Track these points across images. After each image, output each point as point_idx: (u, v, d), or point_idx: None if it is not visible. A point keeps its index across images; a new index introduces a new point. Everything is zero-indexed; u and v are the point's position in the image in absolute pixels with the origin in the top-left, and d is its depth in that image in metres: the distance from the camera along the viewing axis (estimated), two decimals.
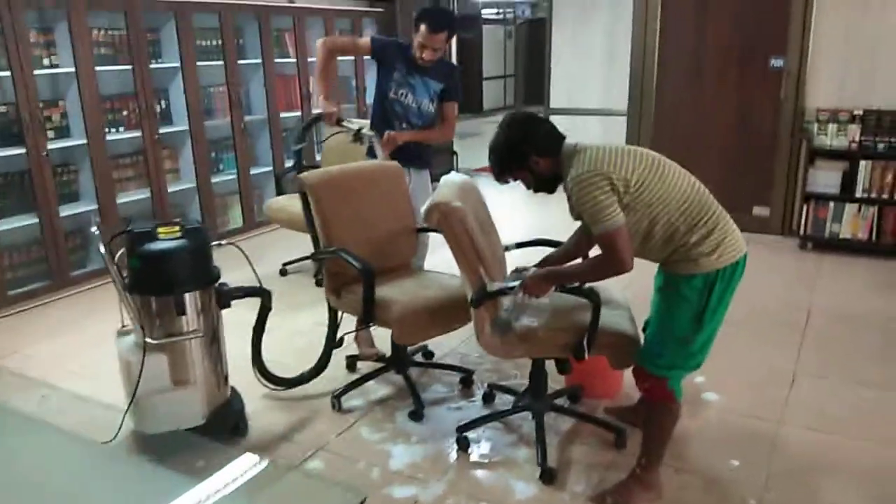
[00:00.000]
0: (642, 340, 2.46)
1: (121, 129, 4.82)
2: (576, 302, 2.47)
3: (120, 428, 2.66)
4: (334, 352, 3.10)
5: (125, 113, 4.82)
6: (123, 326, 2.69)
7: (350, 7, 6.73)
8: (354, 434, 2.81)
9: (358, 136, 3.48)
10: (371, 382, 3.17)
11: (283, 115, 5.85)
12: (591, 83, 7.00)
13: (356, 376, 3.20)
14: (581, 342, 2.39)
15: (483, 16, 14.72)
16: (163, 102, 5.12)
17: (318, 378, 3.10)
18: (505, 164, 2.39)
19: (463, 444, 2.70)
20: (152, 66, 4.88)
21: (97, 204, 4.56)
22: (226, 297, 2.77)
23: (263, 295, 2.93)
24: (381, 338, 3.22)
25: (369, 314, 2.79)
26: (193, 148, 5.17)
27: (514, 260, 2.67)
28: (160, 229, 2.65)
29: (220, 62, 5.30)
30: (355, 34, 6.68)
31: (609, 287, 2.61)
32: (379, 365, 3.23)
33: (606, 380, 3.03)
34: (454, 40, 13.39)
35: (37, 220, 4.26)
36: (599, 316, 2.36)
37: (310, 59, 5.96)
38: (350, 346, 3.30)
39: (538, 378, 2.72)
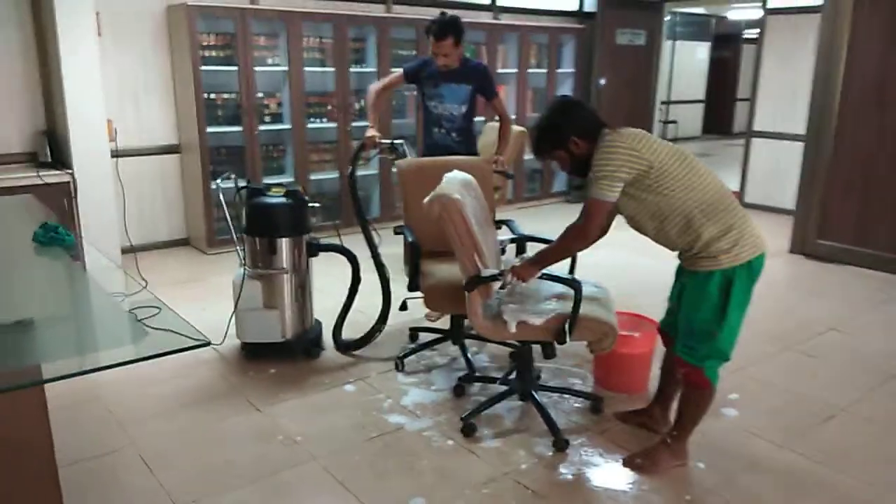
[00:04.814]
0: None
1: (324, 120, 5.88)
2: (562, 290, 2.75)
3: (226, 334, 3.53)
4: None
5: (329, 107, 5.87)
6: (243, 262, 3.54)
7: (548, 24, 7.19)
8: (391, 375, 3.36)
9: (392, 148, 3.99)
10: (429, 352, 3.63)
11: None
12: (796, 108, 6.70)
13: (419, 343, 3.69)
14: (563, 327, 2.65)
15: (747, 35, 14.11)
16: (362, 101, 6.10)
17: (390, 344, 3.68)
18: (546, 143, 2.54)
19: (458, 391, 3.14)
20: (355, 69, 5.88)
21: (294, 178, 5.65)
22: (313, 247, 3.51)
23: (346, 254, 3.60)
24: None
25: (413, 281, 3.29)
26: None
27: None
28: (272, 189, 3.48)
29: None
30: (552, 50, 7.16)
31: (599, 286, 2.89)
32: (437, 336, 3.66)
33: (631, 376, 3.20)
34: (707, 57, 13.15)
35: None
36: (581, 302, 2.62)
37: (499, 70, 6.62)
38: (415, 321, 3.84)
39: (526, 361, 2.99)
